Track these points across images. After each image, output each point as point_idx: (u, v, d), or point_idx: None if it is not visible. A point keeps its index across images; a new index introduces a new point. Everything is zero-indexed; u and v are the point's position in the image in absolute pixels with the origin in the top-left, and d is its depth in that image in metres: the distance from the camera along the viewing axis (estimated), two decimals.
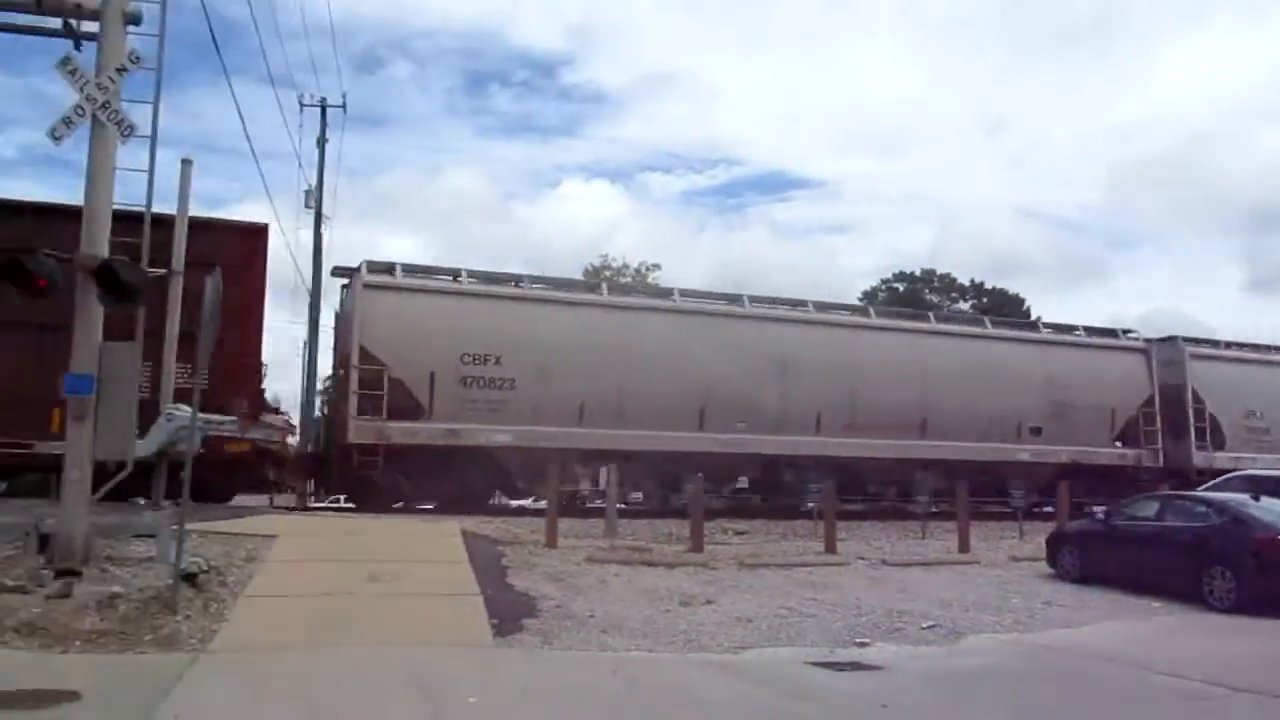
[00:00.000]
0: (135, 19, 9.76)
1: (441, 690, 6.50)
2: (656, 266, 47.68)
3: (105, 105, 9.15)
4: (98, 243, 9.16)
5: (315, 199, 28.99)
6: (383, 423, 17.80)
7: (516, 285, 20.25)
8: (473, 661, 7.40)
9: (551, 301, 20.17)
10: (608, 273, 45.53)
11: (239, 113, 32.80)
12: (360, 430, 17.79)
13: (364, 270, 18.85)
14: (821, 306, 23.05)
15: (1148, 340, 25.83)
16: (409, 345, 18.33)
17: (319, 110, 31.09)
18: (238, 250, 17.56)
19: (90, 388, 8.92)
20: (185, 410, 10.52)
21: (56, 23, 10.16)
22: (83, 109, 9.17)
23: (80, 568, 8.74)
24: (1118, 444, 23.90)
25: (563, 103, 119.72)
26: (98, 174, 9.34)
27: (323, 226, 29.54)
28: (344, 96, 32.37)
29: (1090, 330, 26.01)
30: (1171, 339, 26.32)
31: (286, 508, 19.25)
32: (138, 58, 9.50)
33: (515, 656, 7.70)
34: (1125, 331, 26.37)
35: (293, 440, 20.01)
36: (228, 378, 16.66)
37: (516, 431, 18.38)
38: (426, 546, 11.89)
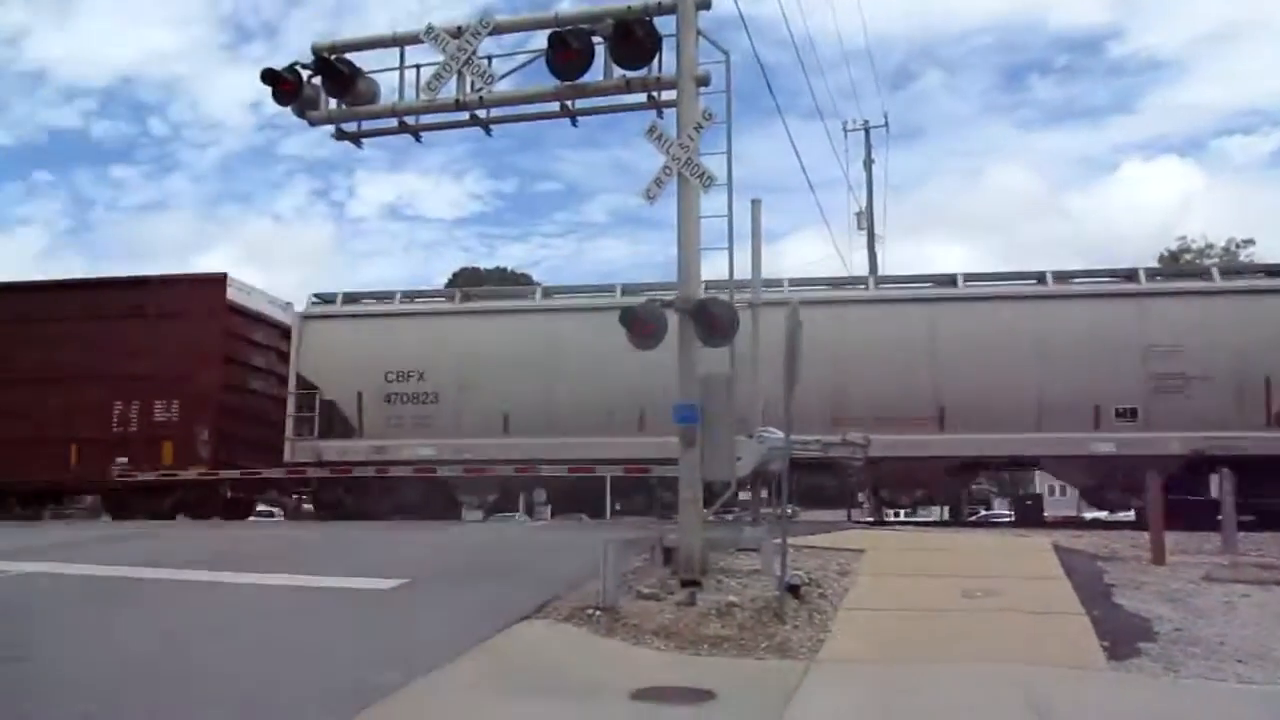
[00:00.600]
0: (705, 81, 10.80)
1: (1062, 716, 6.17)
2: (1249, 242, 41.47)
3: (688, 162, 10.19)
4: (693, 286, 10.24)
5: (867, 220, 29.75)
6: (316, 442, 19.45)
7: (450, 300, 21.23)
8: (1088, 686, 6.90)
9: (476, 313, 20.55)
10: (1188, 256, 40.70)
11: (795, 150, 34.96)
12: (297, 450, 19.52)
13: (307, 302, 21.00)
14: (798, 283, 19.46)
15: None
16: (339, 368, 19.94)
17: (862, 134, 32.01)
18: (197, 300, 20.43)
19: (696, 417, 9.95)
20: (775, 432, 11.33)
21: (641, 97, 11.57)
22: (669, 168, 10.29)
23: (700, 578, 9.71)
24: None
25: (1113, 79, 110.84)
26: (686, 224, 10.42)
27: (876, 246, 30.24)
28: (885, 116, 32.90)
29: (1230, 270, 19.37)
30: None
31: (865, 522, 19.72)
32: (710, 115, 10.45)
33: (1137, 683, 7.04)
34: None
35: None
36: (190, 410, 19.88)
37: (440, 445, 19.07)
38: (1017, 562, 11.43)
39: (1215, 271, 19.42)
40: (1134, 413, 17.67)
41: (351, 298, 21.51)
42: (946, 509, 26.11)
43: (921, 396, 18.11)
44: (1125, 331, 17.91)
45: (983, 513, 35.90)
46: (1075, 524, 20.65)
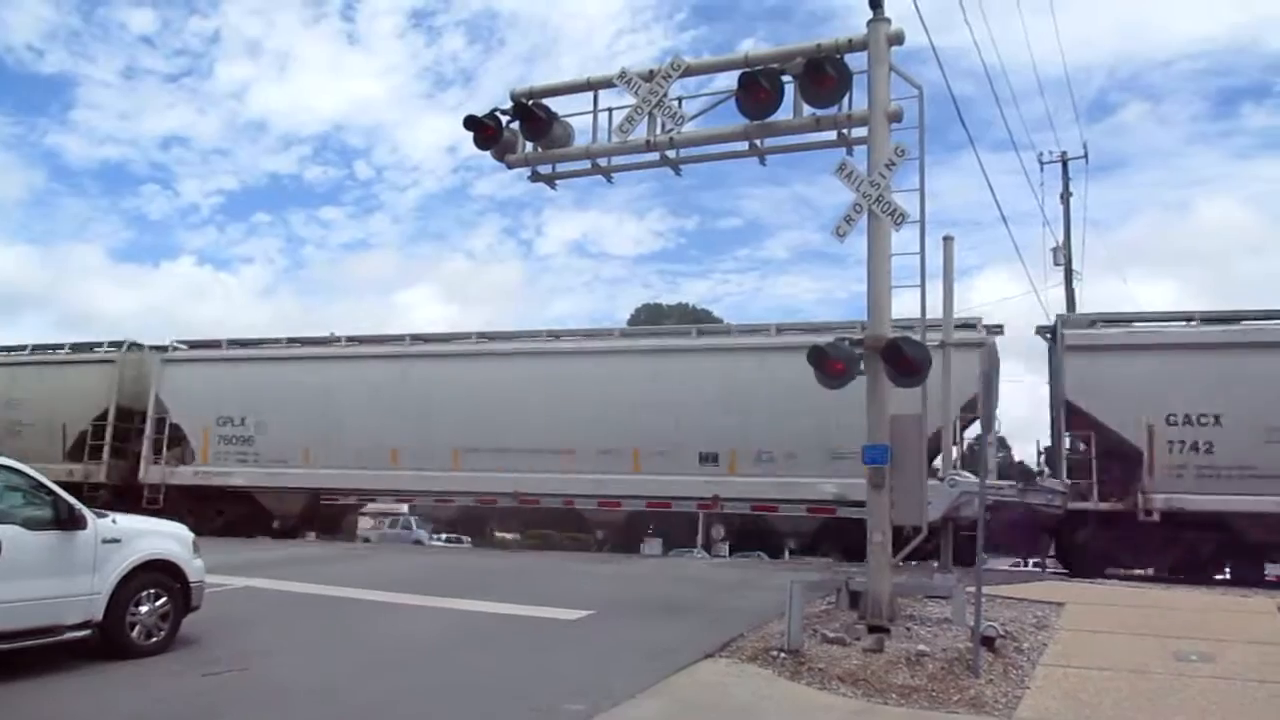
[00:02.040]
0: (897, 117, 10.66)
1: None
2: None
3: (879, 199, 10.05)
4: (882, 324, 10.05)
5: (1064, 256, 28.47)
6: None
7: None
8: None
9: None
10: None
11: (989, 185, 33.58)
12: None
13: None
14: None
15: (129, 349, 25.35)
16: None
17: (1058, 167, 30.72)
18: None
19: (886, 457, 9.73)
20: (967, 476, 10.95)
21: (830, 135, 11.52)
22: (860, 205, 10.19)
23: (888, 625, 9.45)
24: (72, 460, 24.06)
25: None
26: (876, 261, 10.25)
27: (1074, 282, 28.89)
28: (1085, 146, 31.60)
29: (73, 346, 26.14)
30: (141, 346, 25.68)
31: (1064, 573, 18.73)
32: (903, 151, 10.28)
33: None
34: (114, 344, 25.62)
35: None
36: None
37: None
38: (1236, 624, 10.59)
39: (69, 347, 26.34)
40: None
41: None
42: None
43: None
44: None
45: None
46: None
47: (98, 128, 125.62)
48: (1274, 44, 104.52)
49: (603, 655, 9.06)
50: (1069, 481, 15.75)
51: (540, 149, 12.81)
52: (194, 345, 25.25)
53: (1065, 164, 30.51)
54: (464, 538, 30.03)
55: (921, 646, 8.92)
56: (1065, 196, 30.28)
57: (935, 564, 13.88)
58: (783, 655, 8.67)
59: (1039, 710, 7.44)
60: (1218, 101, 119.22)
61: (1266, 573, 19.39)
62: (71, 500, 8.27)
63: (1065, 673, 8.53)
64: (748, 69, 11.19)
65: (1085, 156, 31.02)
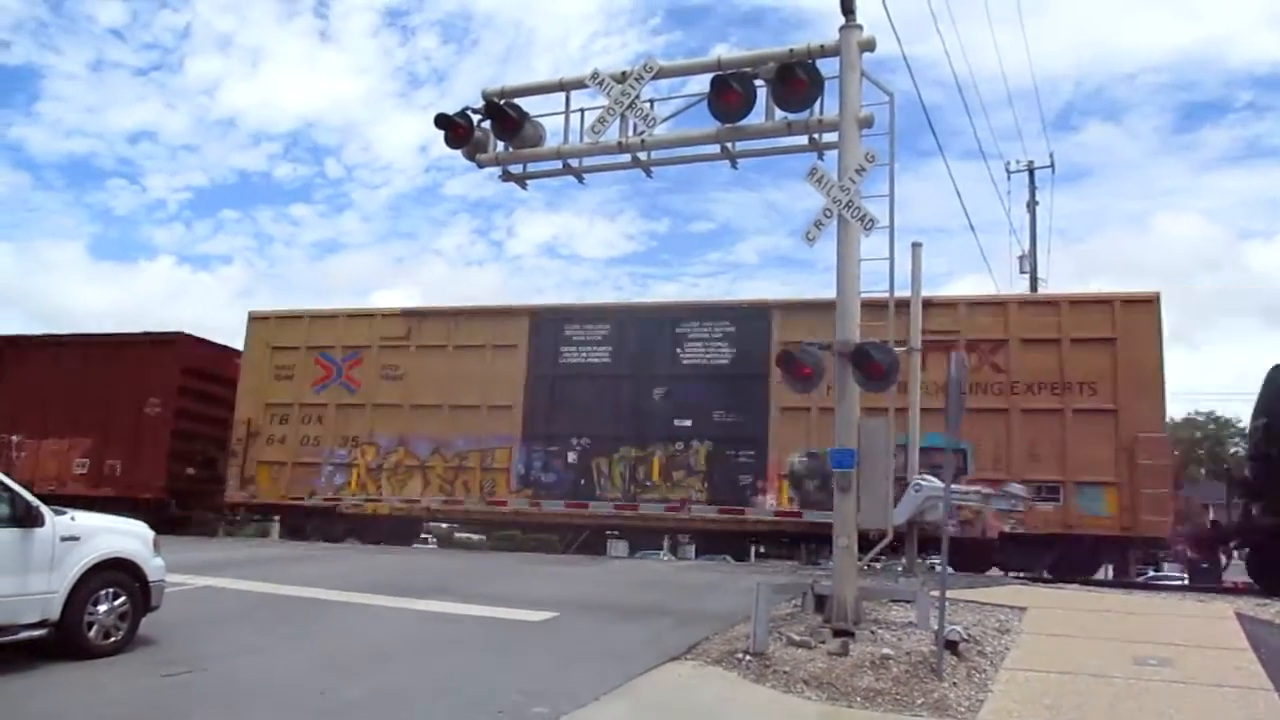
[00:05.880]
0: (868, 123, 10.70)
1: None
2: None
3: (849, 204, 10.09)
4: (850, 329, 10.09)
5: (1029, 264, 28.77)
6: None
7: None
8: None
9: None
10: None
11: (957, 192, 34.20)
12: None
13: None
14: None
15: None
16: None
17: (1024, 176, 31.06)
18: None
19: (852, 461, 9.76)
20: (932, 481, 11.01)
21: (801, 139, 11.55)
22: (830, 210, 10.21)
23: (853, 628, 9.49)
24: None
25: None
26: (845, 266, 10.29)
27: (1039, 290, 29.18)
28: (1051, 156, 31.89)
29: None
30: None
31: (1026, 578, 18.88)
32: (873, 157, 10.33)
33: None
34: None
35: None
36: None
37: None
38: (1195, 629, 10.72)
39: None
40: None
41: None
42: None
43: None
44: None
45: (1150, 574, 33.76)
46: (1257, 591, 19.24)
47: (63, 120, 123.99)
48: (1234, 58, 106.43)
49: (567, 657, 9.02)
50: None
51: (511, 149, 12.74)
52: None
53: (1032, 173, 30.89)
54: (429, 537, 29.69)
55: (886, 650, 8.97)
56: (1031, 205, 30.65)
57: (900, 567, 14.00)
58: (748, 658, 8.68)
59: (1001, 713, 7.49)
60: (1181, 114, 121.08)
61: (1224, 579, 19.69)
62: (30, 497, 8.13)
63: (1027, 676, 8.59)
64: (720, 72, 11.21)
65: (1052, 166, 31.44)
